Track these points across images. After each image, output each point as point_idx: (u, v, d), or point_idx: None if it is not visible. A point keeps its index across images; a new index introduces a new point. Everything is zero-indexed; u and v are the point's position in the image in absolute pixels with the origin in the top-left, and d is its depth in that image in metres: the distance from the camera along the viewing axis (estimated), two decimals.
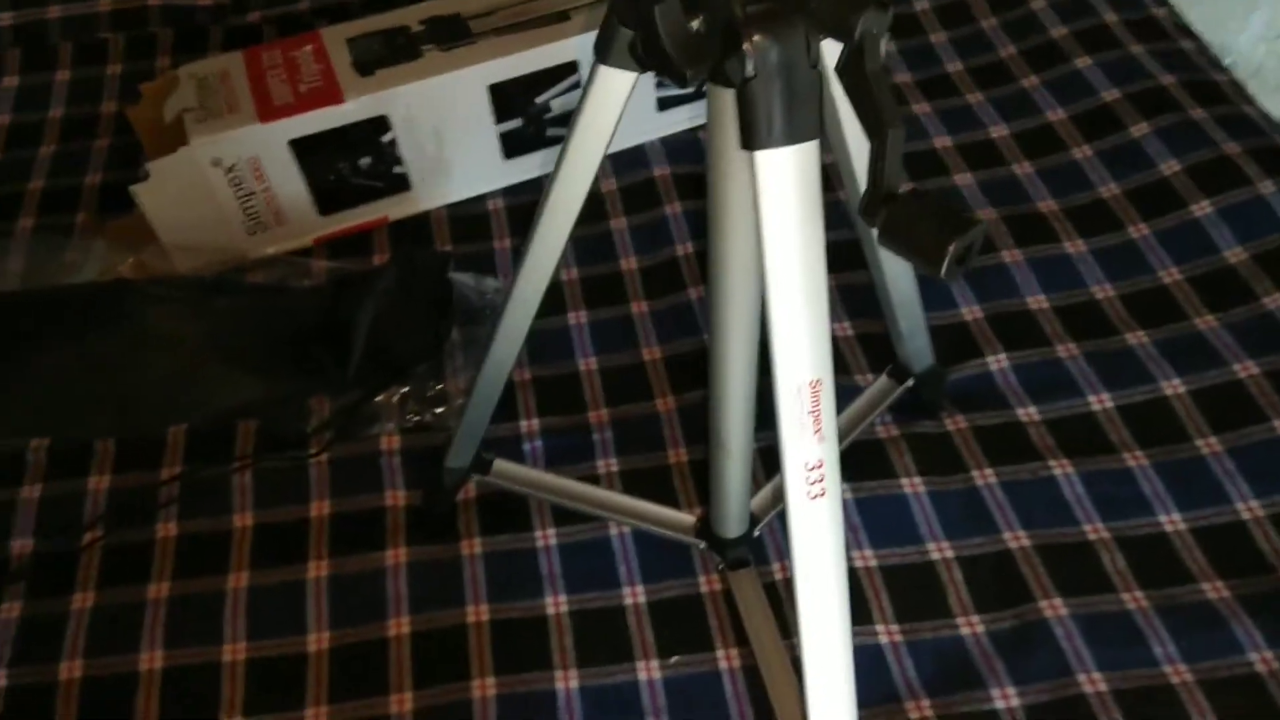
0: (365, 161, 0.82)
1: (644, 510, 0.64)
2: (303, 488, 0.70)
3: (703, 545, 0.62)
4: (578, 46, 0.82)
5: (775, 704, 0.58)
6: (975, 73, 0.94)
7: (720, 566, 0.63)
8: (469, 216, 0.87)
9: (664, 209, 0.85)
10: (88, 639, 0.63)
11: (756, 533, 0.62)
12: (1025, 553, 0.64)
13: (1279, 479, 0.65)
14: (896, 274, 0.58)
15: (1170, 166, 0.82)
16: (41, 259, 0.78)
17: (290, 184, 0.80)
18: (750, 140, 0.33)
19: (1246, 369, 0.70)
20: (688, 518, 0.64)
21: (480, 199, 0.87)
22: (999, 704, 0.58)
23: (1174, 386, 0.71)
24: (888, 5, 0.32)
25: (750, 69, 0.32)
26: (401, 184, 0.84)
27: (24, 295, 0.73)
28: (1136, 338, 0.74)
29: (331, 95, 0.78)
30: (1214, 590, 0.61)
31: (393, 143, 0.81)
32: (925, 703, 0.58)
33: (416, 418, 0.72)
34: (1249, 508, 0.65)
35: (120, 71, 0.98)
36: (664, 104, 0.89)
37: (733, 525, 0.59)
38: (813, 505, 0.39)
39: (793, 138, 0.33)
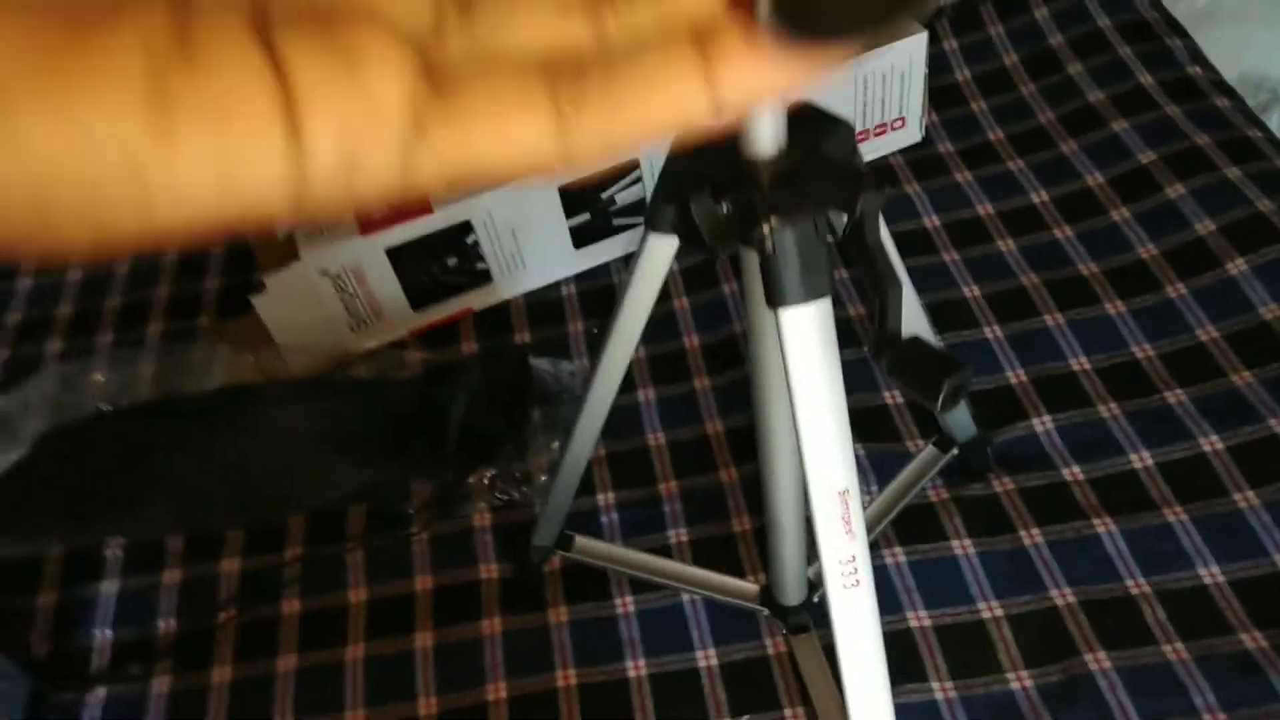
0: (452, 261, 0.91)
1: (712, 580, 0.70)
2: (407, 564, 0.78)
3: (766, 613, 0.69)
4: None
5: None
6: (1015, 139, 0.99)
7: (784, 631, 0.69)
8: (545, 303, 0.95)
9: (721, 287, 0.92)
10: (228, 710, 0.72)
11: (815, 599, 0.68)
12: (1071, 608, 0.69)
13: None
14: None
15: (1205, 226, 0.86)
16: (170, 365, 0.88)
17: (387, 285, 0.89)
18: (773, 300, 0.40)
19: None
20: (751, 586, 0.70)
21: (554, 286, 0.96)
22: None
23: (1212, 443, 0.74)
24: (883, 186, 0.39)
25: (769, 247, 0.39)
26: (484, 278, 0.93)
27: (159, 403, 0.83)
28: (1175, 396, 0.78)
29: (421, 207, 0.87)
30: (1252, 640, 0.65)
31: (475, 244, 0.90)
32: None
33: (505, 496, 0.80)
34: None
35: None
36: None
37: (792, 594, 0.65)
38: (849, 594, 0.45)
39: (809, 296, 0.39)
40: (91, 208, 0.15)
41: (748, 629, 0.71)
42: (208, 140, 0.15)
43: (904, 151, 1.00)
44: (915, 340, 0.40)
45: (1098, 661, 0.66)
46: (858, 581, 0.45)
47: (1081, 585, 0.69)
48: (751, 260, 0.42)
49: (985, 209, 0.94)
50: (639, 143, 0.17)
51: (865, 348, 0.46)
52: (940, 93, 1.04)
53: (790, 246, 0.39)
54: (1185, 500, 0.72)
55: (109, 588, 0.79)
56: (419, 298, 0.92)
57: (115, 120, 0.14)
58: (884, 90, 0.94)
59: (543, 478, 0.81)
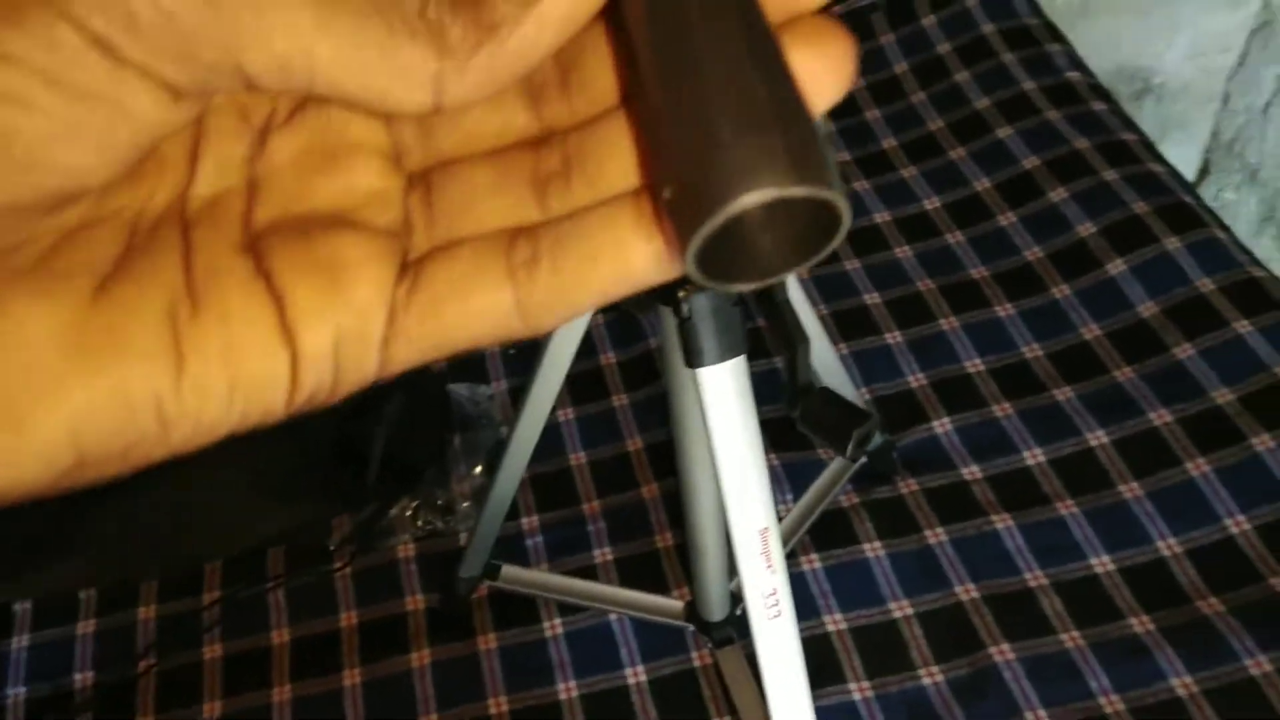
0: None
1: (638, 600, 0.72)
2: (331, 600, 0.78)
3: (691, 629, 0.71)
4: None
5: None
6: (907, 147, 1.02)
7: (709, 645, 0.71)
8: None
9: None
10: None
11: (738, 612, 0.71)
12: (975, 604, 0.73)
13: (1192, 517, 0.74)
14: (837, 385, 0.67)
15: (1086, 228, 0.91)
16: None
17: None
18: (691, 361, 0.42)
19: (1161, 416, 0.79)
20: (676, 603, 0.72)
21: None
22: None
23: (1098, 437, 0.79)
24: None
25: (686, 312, 0.40)
26: None
27: None
28: (1063, 393, 0.82)
29: None
30: (1140, 624, 0.70)
31: None
32: None
33: (428, 526, 0.80)
34: (1168, 545, 0.73)
35: None
36: None
37: (715, 610, 0.67)
38: (772, 624, 0.47)
39: (724, 356, 0.41)
40: (119, 449, 0.16)
41: (674, 644, 0.73)
42: (221, 374, 0.16)
43: None
44: (824, 391, 0.42)
45: (1002, 653, 0.70)
46: (779, 612, 0.47)
47: (984, 580, 0.74)
48: (668, 317, 0.44)
49: (882, 216, 0.97)
50: (596, 300, 0.18)
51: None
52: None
53: (705, 311, 0.40)
54: (1075, 494, 0.77)
55: (19, 643, 0.77)
56: None
57: (144, 379, 0.16)
58: None
59: (465, 504, 0.81)
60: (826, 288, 0.92)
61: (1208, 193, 1.63)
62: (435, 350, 0.18)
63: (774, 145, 0.16)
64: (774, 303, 0.42)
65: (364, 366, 0.17)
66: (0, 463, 0.15)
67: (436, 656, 0.75)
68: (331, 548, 0.79)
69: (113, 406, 0.16)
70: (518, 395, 0.88)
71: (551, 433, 0.86)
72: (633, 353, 0.90)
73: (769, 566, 0.46)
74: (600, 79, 0.18)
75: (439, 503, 0.81)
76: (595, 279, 0.18)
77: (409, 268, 0.18)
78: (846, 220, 0.16)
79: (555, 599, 0.74)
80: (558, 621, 0.75)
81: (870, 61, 1.10)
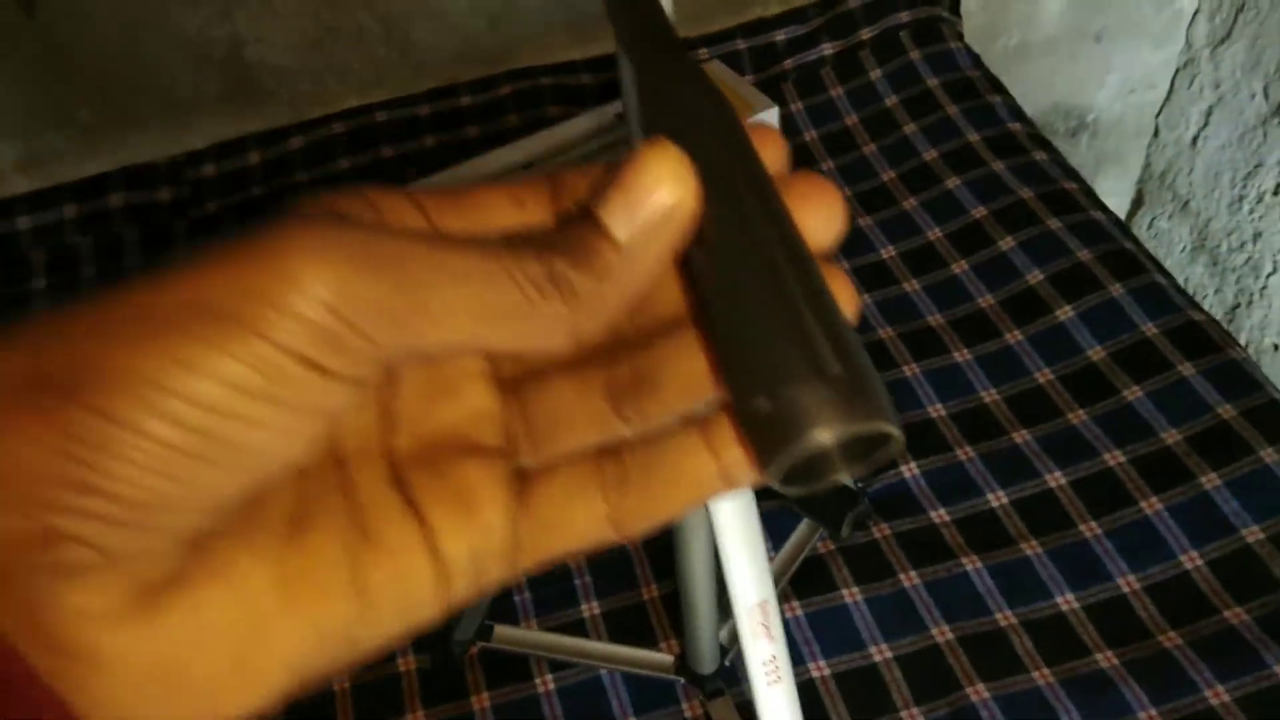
0: None
1: (628, 656, 0.75)
2: None
3: (681, 681, 0.73)
4: None
5: None
6: (861, 197, 1.07)
7: (700, 697, 0.73)
8: None
9: None
10: None
11: (727, 662, 0.73)
12: (950, 645, 0.76)
13: (1148, 553, 0.78)
14: None
15: (1035, 275, 0.96)
16: None
17: None
18: None
19: (1114, 457, 0.84)
20: (666, 658, 0.74)
21: None
22: None
23: (1056, 479, 0.84)
24: None
25: None
26: None
27: None
28: (1021, 436, 0.87)
29: None
30: (1105, 660, 0.74)
31: None
32: None
33: None
34: (1127, 581, 0.78)
35: (93, 274, 1.06)
36: None
37: (706, 663, 0.70)
38: (772, 689, 0.50)
39: None
40: (319, 674, 0.19)
41: (665, 695, 0.75)
42: (392, 600, 0.19)
43: None
44: None
45: (977, 693, 0.73)
46: (779, 678, 0.50)
47: (957, 622, 0.77)
48: None
49: (842, 265, 1.01)
50: (675, 513, 0.21)
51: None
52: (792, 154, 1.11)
53: None
54: (1038, 534, 0.81)
55: None
56: None
57: (337, 615, 0.19)
58: None
59: None
60: None
61: (1142, 223, 1.71)
62: (545, 559, 0.21)
63: (842, 385, 0.19)
64: None
65: (495, 576, 0.20)
66: (232, 700, 0.18)
67: (431, 719, 0.76)
68: None
69: (315, 640, 0.18)
70: None
71: None
72: None
73: (769, 636, 0.49)
74: (661, 296, 0.22)
75: None
76: (677, 497, 0.21)
77: (520, 485, 0.21)
78: (899, 441, 0.19)
79: (545, 656, 0.76)
80: (549, 677, 0.77)
81: (822, 113, 1.15)
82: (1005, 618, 0.77)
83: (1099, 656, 0.74)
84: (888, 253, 1.02)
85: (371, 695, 0.78)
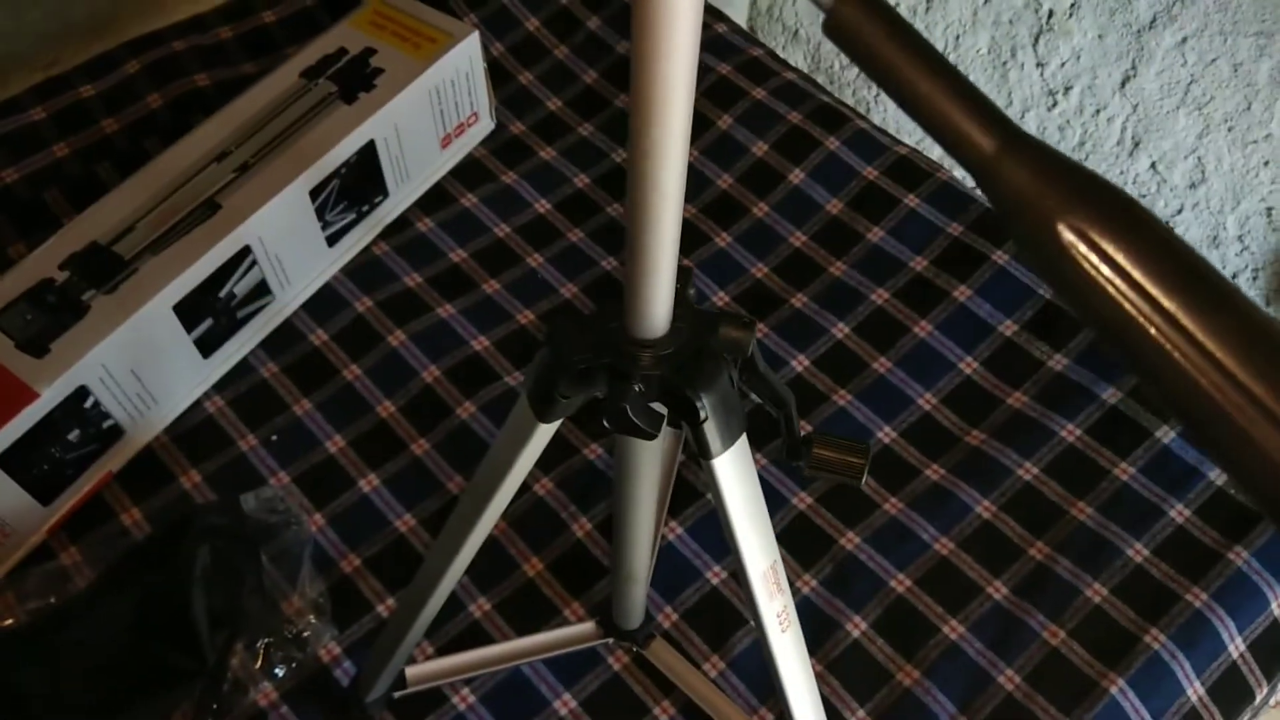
0: (74, 435, 0.75)
1: (551, 640, 0.73)
2: None
3: (612, 641, 0.73)
4: (246, 232, 0.80)
5: None
6: (572, 104, 1.04)
7: (635, 648, 0.74)
8: (193, 430, 0.83)
9: (389, 339, 0.88)
10: None
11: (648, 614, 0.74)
12: (812, 509, 0.82)
13: (934, 372, 0.89)
14: None
15: (760, 147, 1.00)
16: None
17: (5, 497, 0.72)
18: (707, 454, 0.43)
19: (880, 295, 0.92)
20: (588, 628, 0.73)
21: (196, 406, 0.84)
22: (854, 633, 0.76)
23: (841, 330, 0.91)
24: (753, 324, 0.43)
25: (704, 414, 0.41)
26: (115, 434, 0.79)
27: None
28: (800, 300, 0.93)
29: (21, 397, 0.70)
30: (934, 473, 0.84)
31: (96, 404, 0.76)
32: (810, 661, 0.75)
33: (290, 661, 0.73)
34: (926, 400, 0.87)
35: None
36: (333, 239, 0.90)
37: (636, 618, 0.70)
38: (784, 635, 0.52)
39: (732, 441, 0.43)
40: None
41: (588, 660, 0.75)
42: None
43: (484, 143, 1.00)
44: (817, 436, 0.46)
45: (849, 540, 0.80)
46: (788, 624, 0.52)
47: (808, 485, 0.83)
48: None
49: (581, 180, 0.99)
50: None
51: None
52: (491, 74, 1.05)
53: (718, 409, 0.41)
54: (843, 383, 0.88)
55: None
56: (46, 490, 0.76)
57: None
58: (454, 94, 0.94)
59: (313, 620, 0.75)
60: (566, 266, 0.93)
61: None
62: None
63: None
64: (758, 373, 0.44)
65: None
66: None
67: None
68: None
69: None
70: (302, 479, 0.81)
71: (366, 505, 0.81)
72: (408, 394, 0.86)
73: (779, 591, 0.50)
74: None
75: (288, 634, 0.74)
76: None
77: None
78: None
79: (471, 676, 0.72)
80: (465, 692, 0.73)
81: (503, 24, 1.09)
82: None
83: (928, 472, 0.84)
84: (619, 156, 1.01)
85: None
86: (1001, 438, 0.85)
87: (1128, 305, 0.20)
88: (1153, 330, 0.20)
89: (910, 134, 1.49)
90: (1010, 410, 0.86)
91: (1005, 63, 1.36)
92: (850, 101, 1.66)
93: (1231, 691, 0.75)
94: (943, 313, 0.91)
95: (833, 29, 0.23)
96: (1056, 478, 0.83)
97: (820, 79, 1.71)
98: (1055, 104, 1.33)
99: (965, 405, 0.87)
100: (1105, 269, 0.20)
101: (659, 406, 0.43)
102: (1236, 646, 0.76)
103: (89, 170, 0.93)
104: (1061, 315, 0.90)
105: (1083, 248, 0.20)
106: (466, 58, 0.92)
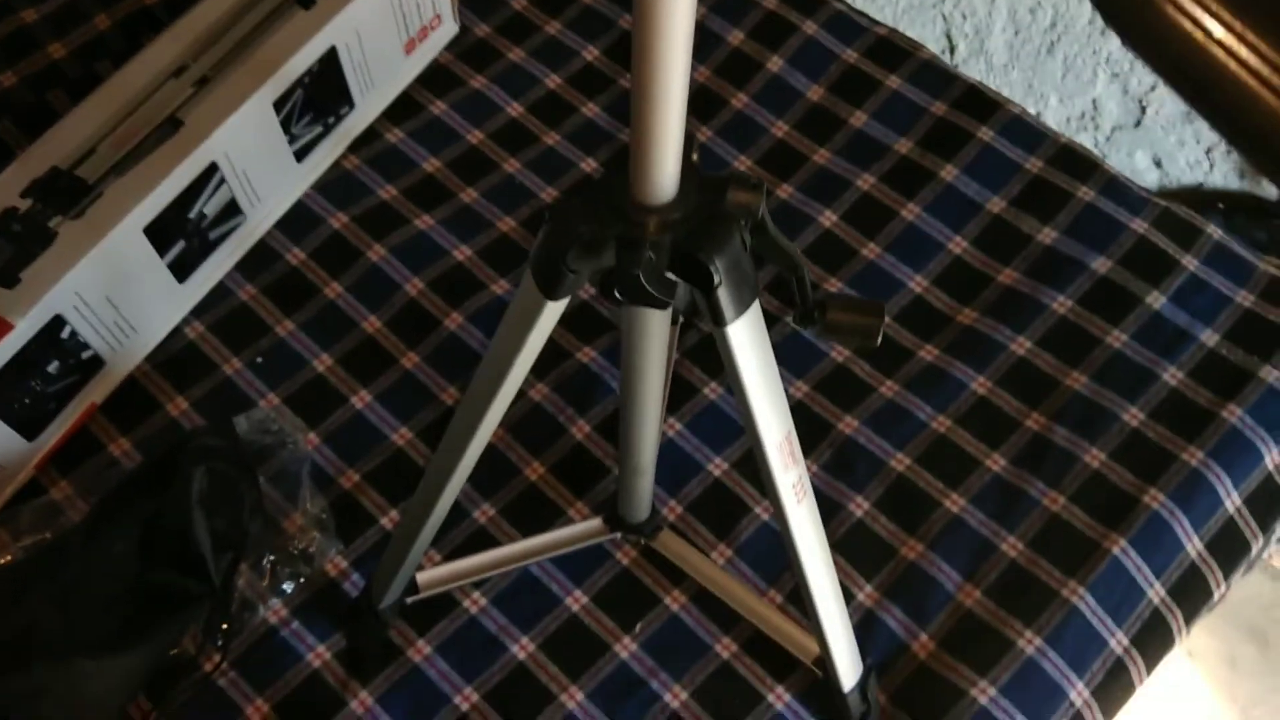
0: (53, 366, 0.73)
1: (562, 538, 0.72)
2: (228, 703, 0.69)
3: (619, 535, 0.73)
4: (211, 149, 0.77)
5: (739, 608, 0.72)
6: (539, 3, 1.00)
7: (641, 541, 0.74)
8: (177, 358, 0.81)
9: (368, 254, 0.86)
10: None
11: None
12: (809, 396, 0.82)
13: (924, 254, 0.88)
14: None
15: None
16: None
17: None
18: (720, 321, 0.42)
19: (866, 181, 0.91)
20: (596, 524, 0.73)
21: (177, 333, 0.82)
22: (857, 513, 0.77)
23: (828, 218, 0.90)
24: (763, 186, 0.42)
25: (718, 279, 0.40)
26: (95, 364, 0.77)
27: None
28: (785, 191, 0.91)
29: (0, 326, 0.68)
30: (928, 353, 0.84)
31: (73, 334, 0.73)
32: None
33: (297, 577, 0.72)
34: (917, 283, 0.87)
35: None
36: (301, 154, 0.87)
37: (643, 511, 0.70)
38: (800, 505, 0.52)
39: (745, 307, 0.42)
40: None
41: (595, 556, 0.75)
42: None
43: (449, 47, 0.97)
44: (830, 298, 0.45)
45: (848, 425, 0.80)
46: (803, 494, 0.52)
47: (806, 374, 0.83)
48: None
49: (553, 81, 0.96)
50: None
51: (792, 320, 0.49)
52: None
53: (731, 273, 0.40)
54: (834, 271, 0.87)
55: None
56: (30, 425, 0.74)
57: None
58: None
59: (316, 535, 0.74)
60: (543, 170, 0.91)
61: None
62: None
63: None
64: (769, 238, 0.43)
65: None
66: None
67: (377, 691, 0.70)
68: (193, 652, 0.69)
69: None
70: (293, 400, 0.80)
71: (360, 422, 0.80)
72: (393, 308, 0.84)
73: (795, 462, 0.50)
74: None
75: (292, 550, 0.73)
76: None
77: None
78: None
79: (481, 579, 0.72)
80: (476, 595, 0.73)
81: None
82: (839, 354, 0.84)
83: (922, 353, 0.83)
84: (590, 54, 0.98)
85: (298, 705, 0.70)
86: (994, 314, 0.85)
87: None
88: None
89: (885, 11, 1.46)
90: (1001, 287, 0.86)
91: None
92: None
93: (1229, 545, 0.77)
94: (930, 194, 0.90)
95: None
96: (1050, 350, 0.83)
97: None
98: None
99: (956, 285, 0.86)
100: None
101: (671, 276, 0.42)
102: (1233, 501, 0.77)
103: (40, 98, 0.89)
104: (1049, 187, 0.90)
105: None
106: None
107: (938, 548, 0.76)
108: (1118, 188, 0.89)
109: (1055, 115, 1.33)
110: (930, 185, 0.90)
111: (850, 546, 0.76)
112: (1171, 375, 0.81)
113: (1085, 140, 1.30)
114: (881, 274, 0.87)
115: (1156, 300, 0.84)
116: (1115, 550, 0.74)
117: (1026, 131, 0.92)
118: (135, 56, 0.81)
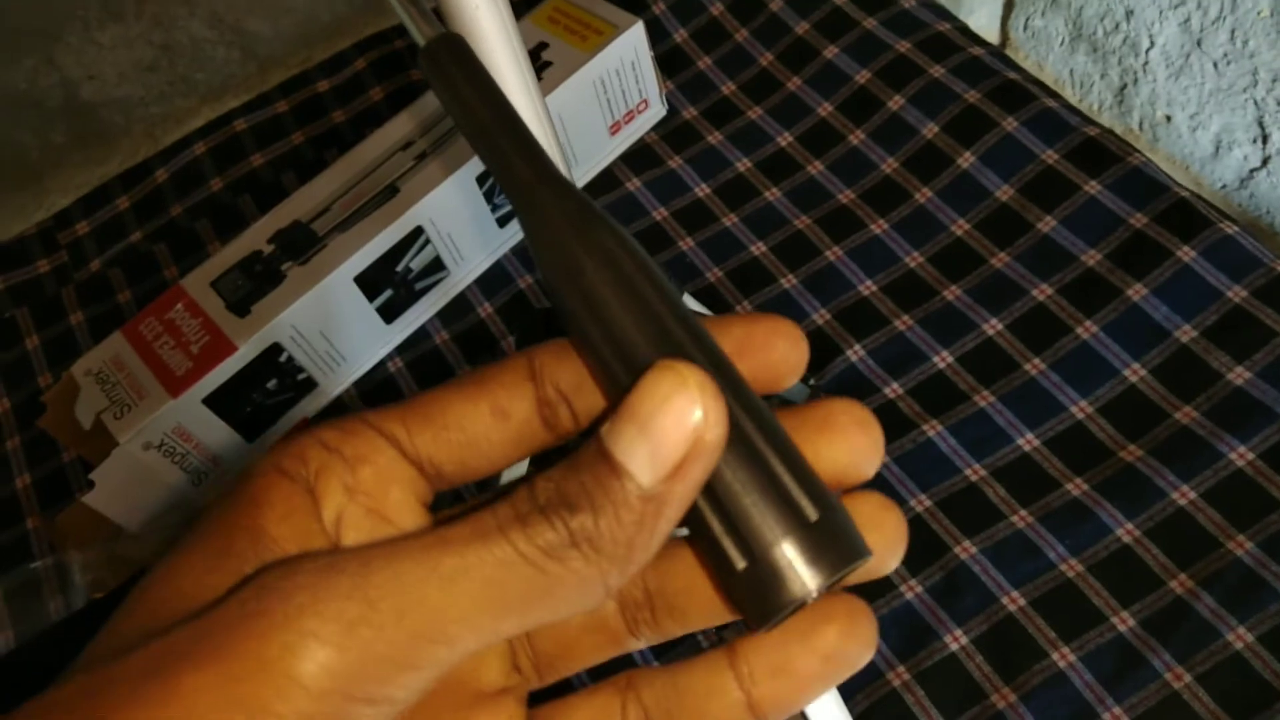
0: (272, 384, 0.89)
1: None
2: None
3: None
4: (418, 214, 0.90)
5: None
6: (745, 88, 1.05)
7: None
8: (377, 384, 0.95)
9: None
10: None
11: None
12: (930, 511, 0.79)
13: (1094, 376, 0.82)
14: None
15: (930, 129, 0.96)
16: (23, 601, 0.84)
17: (215, 433, 0.88)
18: None
19: (1043, 291, 0.86)
20: None
21: (380, 366, 0.96)
22: (953, 646, 0.74)
23: (993, 326, 0.86)
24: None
25: None
26: (308, 386, 0.92)
27: (14, 656, 0.78)
28: (951, 293, 0.89)
29: (223, 348, 0.85)
30: (1075, 488, 0.78)
31: (290, 359, 0.89)
32: (900, 669, 0.73)
33: None
34: (1080, 408, 0.81)
35: None
36: (503, 220, 0.98)
37: None
38: None
39: None
40: None
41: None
42: None
43: (656, 129, 1.04)
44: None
45: (965, 550, 0.77)
46: None
47: (932, 488, 0.80)
48: None
49: (743, 165, 1.00)
50: None
51: None
52: (666, 60, 1.09)
53: None
54: (987, 383, 0.84)
55: None
56: (250, 429, 0.91)
57: None
58: (620, 83, 0.98)
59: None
60: (712, 249, 0.95)
61: (1017, 25, 1.71)
62: None
63: (825, 540, 0.19)
64: None
65: None
66: None
67: None
68: None
69: None
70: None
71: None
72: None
73: None
74: None
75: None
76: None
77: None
78: (869, 559, 0.20)
79: None
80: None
81: (686, 9, 1.12)
82: (975, 472, 0.80)
83: (1069, 486, 0.78)
84: (784, 139, 1.01)
85: None
86: (1160, 456, 0.77)
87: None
88: None
89: (1189, 93, 1.34)
90: (1175, 425, 0.78)
91: None
92: (1114, 73, 1.53)
93: None
94: (1112, 313, 0.83)
95: (424, 59, 0.26)
96: (1217, 505, 0.74)
97: (1083, 48, 1.57)
98: None
99: (1123, 416, 0.79)
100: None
101: None
102: None
103: (319, 156, 1.08)
104: (1251, 321, 0.79)
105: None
106: (631, 47, 0.97)
107: (1031, 701, 0.70)
108: None
109: None
110: (1114, 303, 0.84)
111: (935, 681, 0.73)
112: None
113: None
114: (1042, 394, 0.82)
115: None
116: None
117: (1238, 254, 0.82)
118: (376, 130, 0.96)
